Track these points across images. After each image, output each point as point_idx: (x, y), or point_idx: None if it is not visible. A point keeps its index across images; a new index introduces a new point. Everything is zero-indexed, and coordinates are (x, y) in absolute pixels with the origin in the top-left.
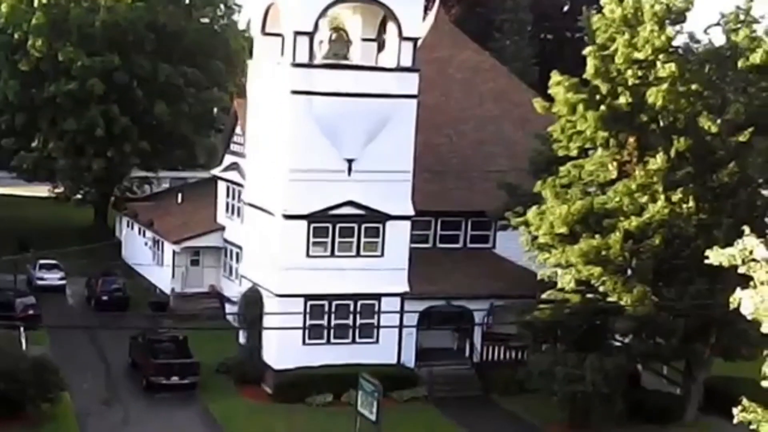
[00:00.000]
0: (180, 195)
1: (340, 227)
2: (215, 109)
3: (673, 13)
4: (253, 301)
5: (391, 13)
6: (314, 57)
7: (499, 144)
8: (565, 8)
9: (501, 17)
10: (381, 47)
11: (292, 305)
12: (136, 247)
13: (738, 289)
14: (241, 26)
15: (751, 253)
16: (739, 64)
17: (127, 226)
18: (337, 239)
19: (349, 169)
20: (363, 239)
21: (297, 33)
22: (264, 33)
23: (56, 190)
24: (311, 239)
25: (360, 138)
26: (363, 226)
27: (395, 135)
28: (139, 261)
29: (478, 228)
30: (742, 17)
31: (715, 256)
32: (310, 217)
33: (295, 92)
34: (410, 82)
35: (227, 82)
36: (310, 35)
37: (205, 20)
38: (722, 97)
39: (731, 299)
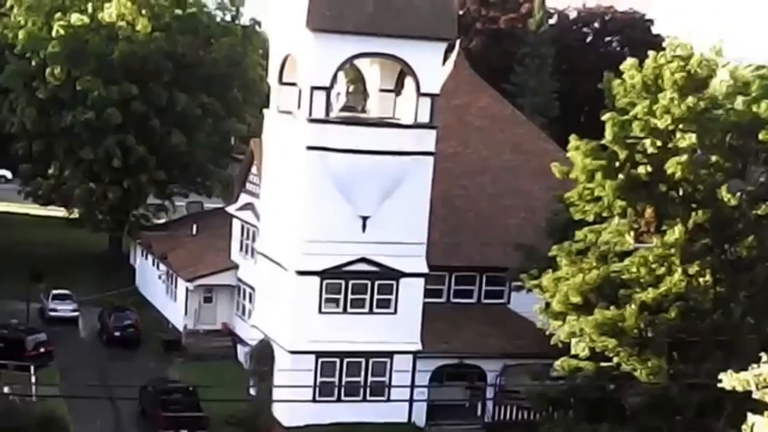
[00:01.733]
0: (195, 226)
1: (353, 284)
2: (233, 139)
3: (695, 81)
4: (264, 354)
5: (409, 68)
6: (331, 109)
7: (515, 197)
8: (588, 39)
9: (522, 51)
10: (399, 91)
11: (304, 362)
12: (150, 277)
13: (749, 414)
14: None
15: (765, 379)
16: (761, 136)
17: (142, 254)
18: (349, 296)
19: (364, 226)
20: (376, 296)
21: (314, 88)
22: (281, 82)
23: (71, 215)
24: (324, 295)
25: (375, 195)
26: (376, 283)
27: (411, 192)
28: (152, 291)
29: (493, 283)
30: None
31: (729, 381)
32: (323, 274)
33: (310, 148)
34: (428, 139)
35: (245, 112)
36: (327, 90)
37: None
38: (743, 168)
39: (743, 427)
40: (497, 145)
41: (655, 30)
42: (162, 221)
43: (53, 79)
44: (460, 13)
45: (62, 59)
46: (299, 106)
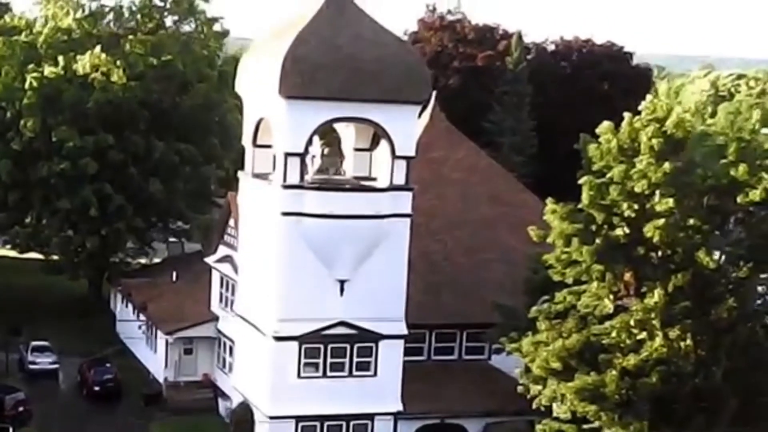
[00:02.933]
0: (175, 274)
1: (332, 348)
2: (212, 185)
3: (672, 143)
4: (244, 419)
5: (383, 132)
6: (306, 172)
7: (494, 250)
8: (567, 72)
9: (500, 89)
10: (374, 148)
11: (284, 428)
12: (130, 325)
13: None
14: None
15: None
16: (739, 198)
17: (122, 302)
18: (329, 360)
19: (341, 290)
20: (355, 359)
21: (288, 154)
22: (255, 145)
23: (49, 262)
24: (303, 360)
25: (352, 259)
26: (355, 346)
27: (388, 254)
28: (132, 338)
29: (474, 340)
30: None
31: None
32: (302, 339)
33: (285, 213)
34: (404, 201)
35: (223, 158)
36: (302, 156)
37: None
38: (722, 228)
39: None
40: (475, 197)
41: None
42: (142, 262)
43: (28, 130)
44: (438, 49)
45: (37, 110)
46: (273, 169)
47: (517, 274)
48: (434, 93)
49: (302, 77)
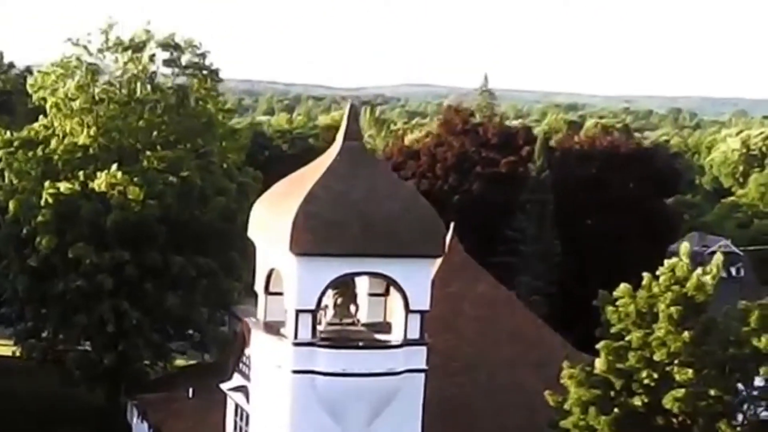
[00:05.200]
0: (192, 390)
1: None
2: (232, 297)
3: (692, 306)
4: None
5: (397, 286)
6: (320, 322)
7: (514, 392)
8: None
9: (523, 196)
10: (388, 291)
11: None
12: None
13: None
14: None
15: None
16: (762, 371)
17: (138, 417)
18: None
19: None
20: None
21: (299, 311)
22: (267, 292)
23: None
24: None
25: (364, 416)
26: None
27: (402, 410)
28: None
29: None
30: None
31: None
32: None
33: (296, 371)
34: (418, 357)
35: (243, 270)
36: (313, 312)
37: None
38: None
39: None
40: (494, 335)
41: None
42: (160, 370)
43: (44, 247)
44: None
45: (53, 227)
46: (285, 325)
47: (538, 420)
48: (452, 224)
49: (314, 235)
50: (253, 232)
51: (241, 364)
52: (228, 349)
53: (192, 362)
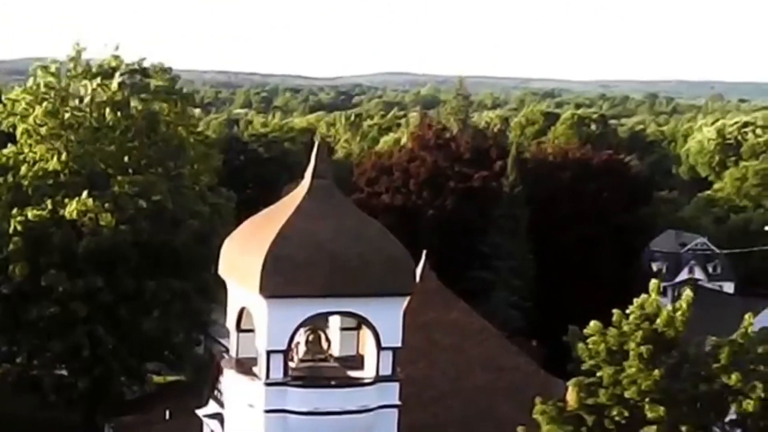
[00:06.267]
0: (168, 412)
1: None
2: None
3: (662, 343)
4: None
5: (368, 324)
6: (292, 358)
7: (488, 421)
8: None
9: (497, 212)
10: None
11: None
12: None
13: None
14: None
15: None
16: (733, 408)
17: None
18: None
19: None
20: None
21: (270, 352)
22: (239, 330)
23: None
24: None
25: None
26: None
27: None
28: None
29: None
30: None
31: None
32: None
33: (268, 411)
34: (391, 393)
35: (217, 291)
36: (284, 352)
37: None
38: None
39: None
40: (467, 362)
41: None
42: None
43: (16, 275)
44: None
45: (24, 255)
46: (257, 364)
47: None
48: (424, 252)
49: (284, 277)
50: (223, 271)
51: (216, 391)
52: (204, 370)
53: (170, 379)
